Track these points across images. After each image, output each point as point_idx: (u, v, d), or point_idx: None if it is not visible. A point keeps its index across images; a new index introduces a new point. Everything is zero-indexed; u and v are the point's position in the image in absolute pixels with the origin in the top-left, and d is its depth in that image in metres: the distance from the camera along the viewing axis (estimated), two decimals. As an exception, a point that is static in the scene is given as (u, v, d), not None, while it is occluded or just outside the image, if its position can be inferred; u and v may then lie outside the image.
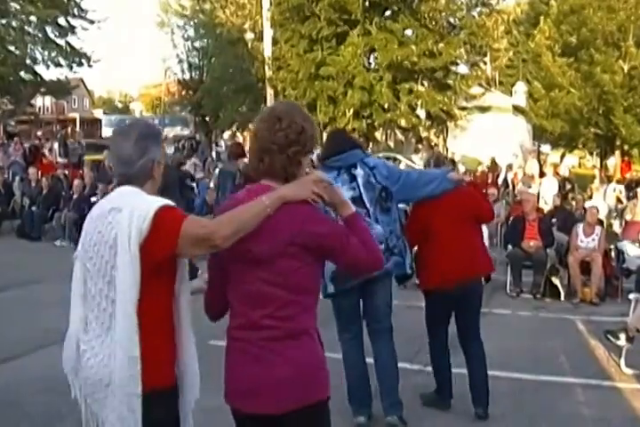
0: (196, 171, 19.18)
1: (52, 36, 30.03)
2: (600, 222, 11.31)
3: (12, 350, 6.58)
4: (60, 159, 22.24)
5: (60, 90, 33.36)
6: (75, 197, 14.35)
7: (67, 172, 17.92)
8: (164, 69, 39.16)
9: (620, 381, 6.22)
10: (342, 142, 4.91)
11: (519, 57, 37.84)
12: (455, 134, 28.37)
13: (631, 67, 26.61)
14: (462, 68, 25.96)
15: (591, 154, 38.31)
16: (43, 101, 49.27)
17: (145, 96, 65.60)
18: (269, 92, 24.12)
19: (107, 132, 41.99)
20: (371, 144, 27.08)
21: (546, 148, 38.00)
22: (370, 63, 24.45)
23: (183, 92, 37.97)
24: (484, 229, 10.98)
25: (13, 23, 28.87)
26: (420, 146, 27.95)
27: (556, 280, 10.07)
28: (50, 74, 54.49)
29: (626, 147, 29.80)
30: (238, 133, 33.76)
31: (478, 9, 25.14)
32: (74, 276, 2.63)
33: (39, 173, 15.80)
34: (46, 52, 30.25)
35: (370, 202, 4.70)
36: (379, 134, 28.89)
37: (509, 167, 20.81)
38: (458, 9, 24.28)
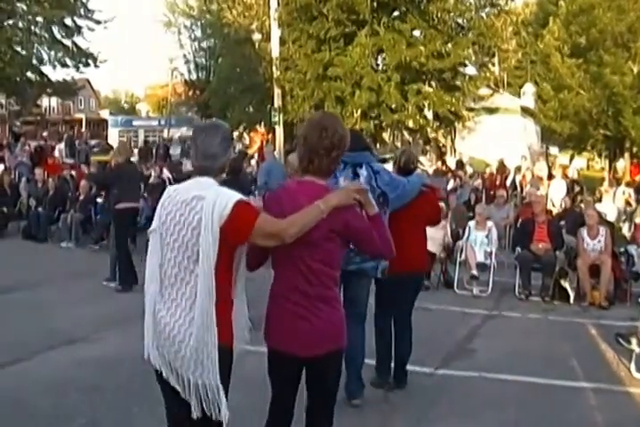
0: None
1: (58, 36, 30.13)
2: (609, 224, 11.22)
3: (18, 352, 6.53)
4: (66, 160, 22.24)
5: (67, 90, 33.47)
6: (81, 198, 14.30)
7: (73, 172, 17.87)
8: (170, 70, 39.19)
9: (630, 385, 6.15)
10: (355, 142, 5.01)
11: (528, 58, 37.73)
12: (463, 136, 28.26)
13: (641, 68, 26.52)
14: (470, 70, 25.85)
15: (600, 156, 38.19)
16: (49, 102, 49.48)
17: (151, 97, 65.64)
18: (277, 92, 24.04)
19: (113, 132, 42.04)
20: (378, 145, 27.01)
21: (554, 149, 37.89)
22: (378, 64, 24.33)
23: (190, 93, 37.97)
24: (494, 231, 10.98)
25: (20, 24, 28.98)
26: (427, 147, 27.90)
27: (565, 283, 9.99)
28: (56, 74, 54.65)
29: (635, 149, 29.66)
30: (245, 134, 33.75)
31: (487, 10, 24.97)
32: (150, 248, 3.17)
33: (45, 173, 15.73)
34: (53, 53, 30.36)
35: None
36: (386, 135, 28.81)
37: (518, 169, 20.71)
38: (466, 10, 24.12)
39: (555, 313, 9.17)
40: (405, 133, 26.84)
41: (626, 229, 14.57)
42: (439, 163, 24.40)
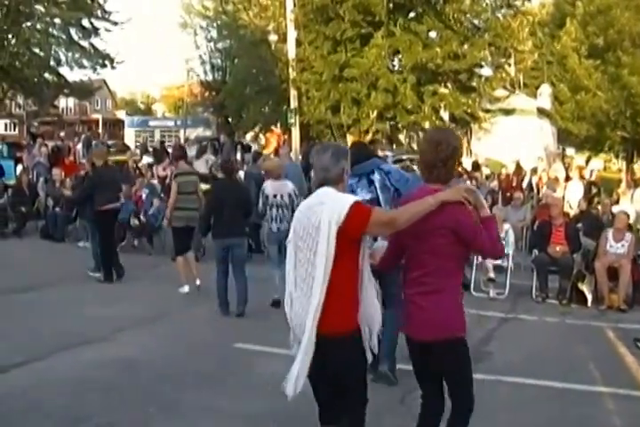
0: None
1: (75, 37, 30.22)
2: (630, 228, 11.13)
3: (32, 352, 6.55)
4: (83, 160, 22.27)
5: (84, 91, 33.61)
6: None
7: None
8: (186, 71, 39.27)
9: (650, 390, 6.08)
10: (359, 154, 5.74)
11: (544, 59, 37.48)
12: (479, 137, 28.17)
13: (659, 69, 26.30)
14: (487, 71, 25.75)
15: (617, 157, 37.91)
16: (66, 102, 49.79)
17: (167, 97, 65.81)
18: (293, 93, 24.02)
19: (129, 132, 42.17)
20: (394, 146, 26.96)
21: (570, 151, 37.66)
22: (394, 65, 24.31)
23: (206, 94, 38.02)
24: (510, 233, 10.91)
25: (38, 25, 29.07)
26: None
27: (582, 286, 9.92)
28: (73, 75, 54.94)
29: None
30: (261, 135, 33.75)
31: (503, 10, 24.86)
32: (288, 253, 3.74)
33: (63, 173, 15.77)
34: (70, 54, 30.45)
35: (385, 202, 5.80)
36: (402, 136, 28.75)
37: (534, 171, 20.57)
38: (483, 10, 24.05)
39: (572, 316, 9.11)
40: (421, 135, 26.76)
41: (644, 232, 14.41)
42: (455, 164, 24.26)
